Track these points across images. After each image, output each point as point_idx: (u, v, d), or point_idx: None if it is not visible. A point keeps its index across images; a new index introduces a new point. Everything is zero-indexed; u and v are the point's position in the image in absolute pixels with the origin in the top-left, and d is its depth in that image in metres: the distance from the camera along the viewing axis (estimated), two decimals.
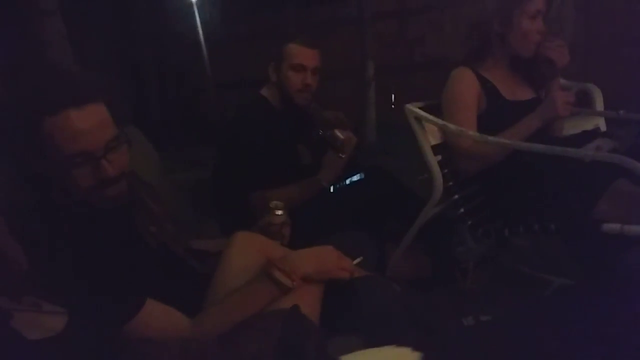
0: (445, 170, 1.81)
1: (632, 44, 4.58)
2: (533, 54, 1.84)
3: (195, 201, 2.09)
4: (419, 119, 1.79)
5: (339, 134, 1.87)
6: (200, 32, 5.03)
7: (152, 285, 1.11)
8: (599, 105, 2.12)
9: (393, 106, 5.26)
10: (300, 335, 1.07)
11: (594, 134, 1.96)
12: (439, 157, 1.81)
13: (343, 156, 1.88)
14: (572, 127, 1.99)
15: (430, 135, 1.83)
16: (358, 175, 1.99)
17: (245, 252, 1.26)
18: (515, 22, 1.79)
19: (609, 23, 4.67)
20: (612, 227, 1.50)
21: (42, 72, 1.14)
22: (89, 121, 1.06)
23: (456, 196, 1.82)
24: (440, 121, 1.79)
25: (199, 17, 4.99)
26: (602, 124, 2.12)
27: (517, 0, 1.79)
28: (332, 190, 1.94)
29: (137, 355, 1.03)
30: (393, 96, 5.33)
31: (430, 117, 1.78)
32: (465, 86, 1.84)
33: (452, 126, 1.76)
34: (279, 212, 1.41)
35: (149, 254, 1.22)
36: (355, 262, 1.30)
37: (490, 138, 1.70)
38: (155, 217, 1.29)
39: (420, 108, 1.82)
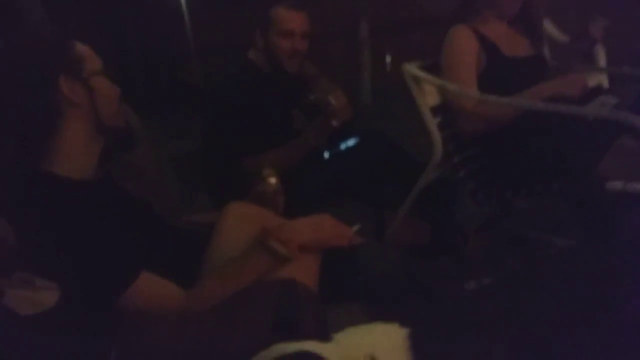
0: (445, 132, 1.76)
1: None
2: (519, 11, 1.79)
3: (186, 174, 2.04)
4: (417, 79, 1.73)
5: (332, 99, 1.80)
6: None
7: (146, 257, 1.09)
8: (602, 62, 2.07)
9: (389, 68, 5.16)
10: (298, 305, 1.05)
11: (598, 90, 1.91)
12: (438, 119, 1.76)
13: (335, 123, 1.82)
14: None
15: (428, 96, 1.77)
16: (354, 139, 1.93)
17: (240, 222, 1.24)
18: None
19: None
20: (616, 185, 1.48)
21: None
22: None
23: (456, 159, 1.78)
24: (439, 81, 1.73)
25: None
26: (605, 81, 2.07)
27: None
28: (327, 156, 1.88)
29: (132, 327, 1.02)
30: (389, 57, 5.23)
31: (429, 76, 1.73)
32: (464, 44, 1.78)
33: (452, 86, 1.71)
34: (272, 180, 1.37)
35: (142, 225, 1.20)
36: (353, 229, 1.26)
37: (492, 97, 1.65)
38: (136, 173, 1.28)
39: (418, 68, 1.76)
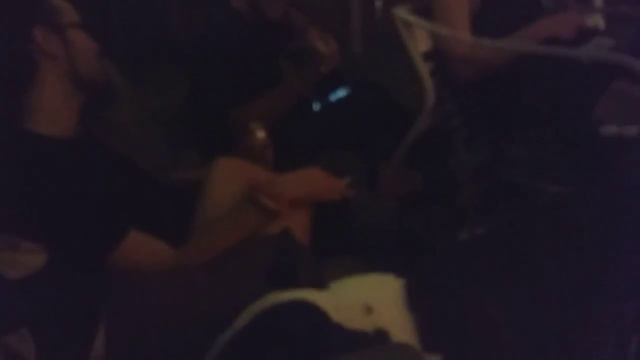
0: (438, 79, 1.71)
1: None
2: None
3: (172, 129, 2.00)
4: (407, 23, 1.67)
5: (320, 45, 1.74)
6: None
7: (133, 215, 1.08)
8: (598, 1, 2.02)
9: (379, 14, 5.04)
10: (292, 259, 1.06)
11: (593, 32, 1.88)
12: (431, 65, 1.71)
13: (323, 70, 1.76)
14: None
15: (420, 41, 1.72)
16: (344, 90, 1.89)
17: (228, 178, 1.22)
18: None
19: None
20: (610, 129, 1.47)
21: None
22: None
23: (449, 106, 1.75)
24: (431, 25, 1.68)
25: None
26: (600, 22, 2.02)
27: None
28: (316, 108, 1.85)
29: (122, 286, 1.02)
30: (379, 2, 5.10)
31: (420, 20, 1.67)
32: None
33: (444, 30, 1.66)
34: (260, 134, 1.34)
35: (127, 183, 1.18)
36: (344, 181, 1.25)
37: (485, 41, 1.60)
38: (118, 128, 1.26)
39: (408, 12, 1.70)
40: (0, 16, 1.06)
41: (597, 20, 2.00)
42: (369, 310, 0.95)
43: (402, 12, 1.68)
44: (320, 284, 1.01)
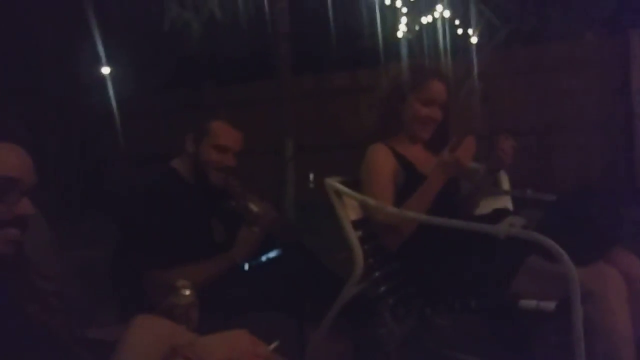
0: (366, 247, 1.78)
1: (529, 133, 5.03)
2: (435, 136, 1.92)
3: (94, 283, 1.89)
4: (338, 193, 1.77)
5: (253, 206, 1.79)
6: (114, 104, 4.93)
7: None
8: (506, 186, 2.22)
9: (312, 185, 5.29)
10: None
11: (505, 212, 2.03)
12: (359, 233, 1.78)
13: (257, 230, 1.79)
14: (483, 208, 2.06)
15: (350, 211, 1.81)
16: (274, 251, 1.90)
17: (147, 338, 1.14)
18: (409, 104, 1.89)
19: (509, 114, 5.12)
20: (529, 303, 1.53)
21: None
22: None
23: (377, 273, 1.79)
24: (359, 196, 1.78)
25: (112, 89, 4.93)
26: (509, 205, 2.20)
27: (413, 86, 1.89)
28: (246, 267, 1.83)
29: None
30: (312, 175, 5.38)
31: (350, 191, 1.77)
32: (381, 162, 1.87)
33: (371, 201, 1.76)
34: (186, 292, 1.29)
35: (31, 342, 1.06)
36: (271, 347, 1.19)
37: (408, 213, 1.71)
38: (39, 295, 1.15)
39: (340, 183, 1.80)
40: None
41: (506, 203, 2.20)
42: None
43: (333, 182, 1.79)
44: None
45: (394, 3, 4.30)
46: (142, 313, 1.20)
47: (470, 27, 4.78)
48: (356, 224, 1.80)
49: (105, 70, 4.90)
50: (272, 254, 1.89)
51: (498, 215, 1.94)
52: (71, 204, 4.58)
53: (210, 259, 1.75)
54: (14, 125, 1.09)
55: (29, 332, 1.07)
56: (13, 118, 1.10)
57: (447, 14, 4.52)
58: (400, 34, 4.63)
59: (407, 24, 4.60)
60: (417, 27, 4.75)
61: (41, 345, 1.08)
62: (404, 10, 4.45)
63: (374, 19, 4.50)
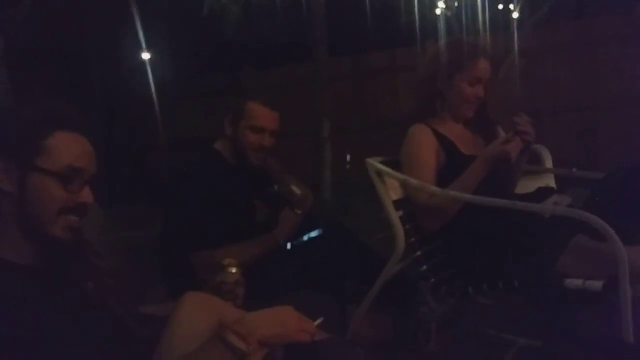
0: (407, 226, 1.77)
1: (573, 110, 4.88)
2: (475, 115, 1.88)
3: (143, 262, 1.96)
4: (379, 173, 1.77)
5: (295, 189, 1.82)
6: (153, 88, 5.03)
7: (92, 353, 1.02)
8: (549, 164, 2.17)
9: (348, 166, 5.30)
10: None
11: (549, 191, 1.99)
12: (400, 213, 1.78)
13: (299, 212, 1.81)
14: (526, 187, 2.02)
15: (391, 190, 1.80)
16: (316, 231, 1.92)
17: (196, 315, 1.16)
18: (455, 84, 1.86)
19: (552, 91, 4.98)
20: (575, 282, 1.49)
21: None
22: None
23: (418, 253, 1.78)
24: (401, 175, 1.78)
25: (152, 74, 5.03)
26: (552, 183, 2.16)
27: (459, 66, 1.85)
28: (289, 247, 1.85)
29: None
30: (348, 156, 5.39)
31: (392, 171, 1.77)
32: (423, 142, 1.85)
33: (413, 180, 1.75)
34: (233, 270, 1.32)
35: (89, 319, 1.11)
36: (315, 323, 1.21)
37: (452, 192, 1.69)
38: (95, 274, 1.19)
39: (380, 163, 1.80)
40: None
41: (549, 182, 2.15)
42: None
43: (374, 162, 1.79)
44: None
45: None
46: (190, 290, 1.24)
47: (511, 1, 4.64)
48: (397, 204, 1.79)
49: (146, 55, 4.99)
50: (314, 234, 1.91)
51: (542, 193, 1.90)
52: (118, 188, 4.73)
53: (254, 239, 1.78)
54: (79, 116, 1.12)
55: (89, 308, 1.13)
56: (77, 109, 1.13)
57: None
58: (438, 11, 4.53)
59: (445, 0, 4.51)
60: (455, 3, 4.64)
61: (101, 320, 1.14)
62: None
63: None
